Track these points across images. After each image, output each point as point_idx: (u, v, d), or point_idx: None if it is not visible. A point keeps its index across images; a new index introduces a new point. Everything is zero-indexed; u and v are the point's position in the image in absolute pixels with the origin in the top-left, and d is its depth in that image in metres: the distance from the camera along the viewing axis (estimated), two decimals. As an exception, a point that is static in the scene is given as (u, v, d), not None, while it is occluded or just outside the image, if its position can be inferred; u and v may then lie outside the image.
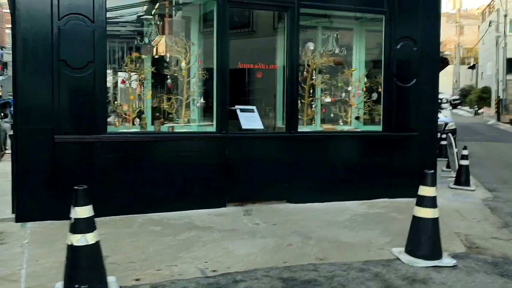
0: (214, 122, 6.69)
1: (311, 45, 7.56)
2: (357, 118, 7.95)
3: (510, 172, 11.21)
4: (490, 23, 34.36)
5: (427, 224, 4.55)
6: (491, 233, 5.84)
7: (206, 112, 7.24)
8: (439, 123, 15.85)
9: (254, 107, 7.28)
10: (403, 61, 7.54)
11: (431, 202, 4.60)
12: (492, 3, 39.78)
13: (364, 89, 7.95)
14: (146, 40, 6.61)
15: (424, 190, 4.61)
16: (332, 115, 7.94)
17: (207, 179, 6.58)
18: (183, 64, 6.66)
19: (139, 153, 6.28)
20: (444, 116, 17.10)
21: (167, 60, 6.87)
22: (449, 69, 57.29)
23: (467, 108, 44.01)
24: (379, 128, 7.67)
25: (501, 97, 31.98)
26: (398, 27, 7.49)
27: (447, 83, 58.21)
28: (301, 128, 7.52)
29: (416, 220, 4.62)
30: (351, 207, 6.93)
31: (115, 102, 6.65)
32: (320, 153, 7.19)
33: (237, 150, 6.74)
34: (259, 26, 8.65)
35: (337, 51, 7.75)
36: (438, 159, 12.74)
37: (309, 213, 6.50)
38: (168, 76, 6.80)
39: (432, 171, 4.70)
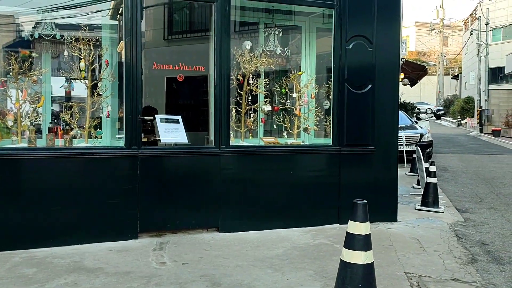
0: (124, 136, 5.52)
1: (248, 44, 6.44)
2: (306, 129, 6.82)
3: (487, 189, 10.13)
4: (471, 31, 33.66)
5: (357, 272, 3.39)
6: (453, 272, 4.70)
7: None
8: (414, 134, 15.10)
9: (179, 117, 6.12)
10: (356, 63, 6.44)
11: (363, 243, 3.44)
12: (474, 12, 39.23)
13: (313, 96, 6.82)
14: (36, 34, 5.43)
15: (354, 227, 3.45)
16: (275, 126, 6.81)
17: (114, 205, 5.40)
18: (82, 64, 5.49)
19: (26, 173, 5.10)
20: (421, 128, 16.15)
21: (66, 59, 5.68)
22: (433, 79, 56.91)
23: (450, 118, 43.30)
24: (329, 141, 6.55)
25: (483, 107, 31.16)
26: (350, 24, 6.39)
27: (431, 93, 57.76)
28: (237, 142, 6.38)
29: (343, 266, 3.46)
30: (291, 236, 5.77)
31: (-5, 111, 5.44)
32: (258, 171, 6.04)
33: (152, 169, 5.58)
34: (191, 22, 7.54)
35: (278, 51, 6.62)
36: (409, 173, 11.73)
37: (236, 246, 5.32)
38: (67, 79, 5.62)
39: (364, 201, 3.53)
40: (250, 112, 6.51)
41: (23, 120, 5.36)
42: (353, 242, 3.43)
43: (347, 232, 3.50)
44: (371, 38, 6.49)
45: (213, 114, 5.89)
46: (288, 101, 6.73)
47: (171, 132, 5.94)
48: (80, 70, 5.48)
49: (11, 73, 5.26)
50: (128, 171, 5.47)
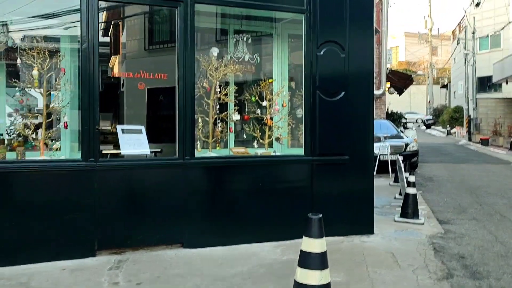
0: (81, 147, 5.22)
1: (214, 51, 6.18)
2: (278, 139, 6.55)
3: (471, 198, 9.88)
4: (458, 40, 33.69)
5: (313, 294, 3.09)
6: (426, 289, 4.43)
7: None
8: (399, 144, 14.87)
9: (142, 127, 5.85)
10: (327, 70, 6.19)
11: (318, 261, 3.15)
12: (461, 21, 39.35)
13: (285, 104, 6.57)
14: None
15: (308, 244, 3.17)
16: (245, 136, 6.54)
17: (70, 221, 5.09)
18: (34, 72, 5.20)
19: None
20: (407, 137, 15.95)
21: (19, 67, 5.39)
22: (422, 89, 56.98)
23: (440, 128, 43.24)
24: (301, 151, 6.28)
25: (471, 116, 31.08)
26: (321, 30, 6.16)
27: (421, 103, 57.81)
28: (204, 153, 6.10)
29: (297, 287, 3.16)
30: (259, 252, 5.48)
31: None
32: (225, 184, 5.76)
33: (111, 182, 5.28)
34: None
35: (247, 58, 6.37)
36: (392, 184, 11.48)
37: (198, 264, 5.02)
38: (19, 88, 5.33)
39: (319, 215, 3.25)
40: (218, 121, 6.22)
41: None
42: (307, 260, 3.15)
43: (301, 250, 3.22)
44: (343, 44, 6.26)
45: (177, 124, 5.61)
46: (259, 109, 6.46)
47: (133, 143, 5.66)
48: (33, 79, 5.18)
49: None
50: (85, 184, 5.16)
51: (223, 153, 6.27)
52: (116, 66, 8.18)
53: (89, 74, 5.17)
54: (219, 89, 6.12)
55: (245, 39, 6.44)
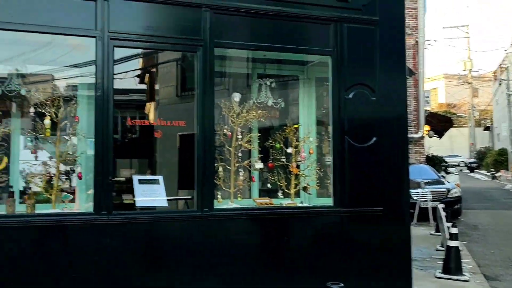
0: (93, 199, 4.94)
1: (236, 96, 5.89)
2: (305, 188, 6.12)
3: (521, 250, 9.09)
4: (500, 81, 32.76)
5: None
6: None
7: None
8: (440, 190, 14.11)
9: (159, 178, 5.55)
10: (357, 114, 5.80)
11: None
12: (502, 62, 38.41)
13: (312, 151, 6.16)
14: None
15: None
16: (269, 185, 6.14)
17: (81, 280, 4.73)
18: (47, 121, 5.01)
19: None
20: (448, 182, 15.21)
21: (32, 116, 5.22)
22: (464, 131, 55.44)
23: (484, 171, 41.59)
24: (330, 201, 5.83)
25: (517, 159, 29.74)
26: (349, 72, 5.82)
27: (463, 145, 56.09)
28: (225, 204, 5.72)
29: None
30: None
31: None
32: (247, 237, 5.34)
33: (125, 238, 4.93)
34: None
35: (270, 102, 6.04)
36: (434, 233, 10.72)
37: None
38: (30, 138, 5.14)
39: (340, 285, 2.78)
40: (240, 170, 5.86)
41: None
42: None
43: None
44: (373, 86, 5.88)
45: (196, 174, 5.28)
46: (284, 157, 6.07)
47: (149, 195, 5.34)
48: (45, 128, 4.99)
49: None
50: (96, 240, 4.83)
51: (246, 204, 5.87)
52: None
53: (103, 121, 4.93)
54: (241, 136, 5.78)
55: (268, 83, 6.12)
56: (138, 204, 5.20)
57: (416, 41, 18.81)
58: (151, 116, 7.87)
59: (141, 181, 5.44)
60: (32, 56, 5.34)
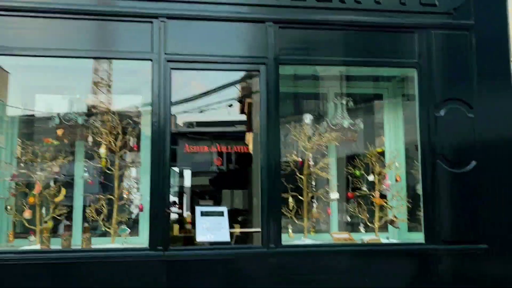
0: (147, 234, 4.58)
1: (307, 118, 5.30)
2: (392, 222, 5.30)
3: None
4: None
5: None
6: None
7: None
8: None
9: (223, 209, 5.07)
10: (450, 134, 4.95)
11: None
12: None
13: (399, 179, 5.35)
14: (56, 120, 4.88)
15: None
16: (348, 218, 5.41)
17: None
18: (102, 151, 4.76)
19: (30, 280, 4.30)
20: None
21: (90, 146, 4.99)
22: None
23: None
24: (421, 237, 4.97)
25: None
26: (439, 85, 5.02)
27: None
28: (297, 239, 5.09)
29: None
30: None
31: (7, 207, 4.80)
32: (319, 279, 4.64)
33: (182, 276, 4.48)
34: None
35: (345, 124, 5.34)
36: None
37: None
38: (86, 169, 4.93)
39: None
40: (313, 200, 5.22)
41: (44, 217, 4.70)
42: None
43: None
44: (470, 101, 5.01)
45: (260, 205, 4.74)
46: (365, 185, 5.33)
47: (212, 228, 4.87)
48: (100, 157, 4.75)
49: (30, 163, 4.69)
50: (151, 278, 4.43)
51: (321, 239, 5.19)
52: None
53: (159, 149, 4.59)
54: (313, 163, 5.15)
55: (344, 102, 5.46)
56: (198, 239, 4.74)
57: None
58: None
59: (203, 213, 5.00)
60: (89, 83, 5.18)
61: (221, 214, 5.02)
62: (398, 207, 5.31)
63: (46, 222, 4.65)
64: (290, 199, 5.10)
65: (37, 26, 4.60)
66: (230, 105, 8.47)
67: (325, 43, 5.02)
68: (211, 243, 4.76)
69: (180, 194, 9.49)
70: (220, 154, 8.61)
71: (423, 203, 4.95)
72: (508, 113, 5.11)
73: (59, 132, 4.88)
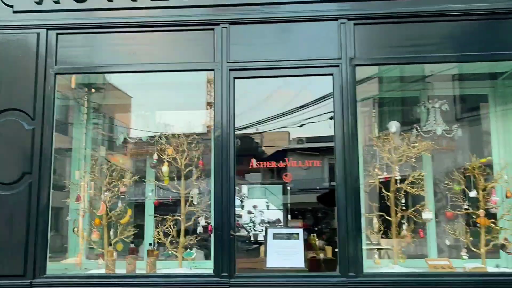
0: (211, 259, 4.19)
1: (393, 126, 4.60)
2: (503, 246, 4.38)
3: None
4: None
5: None
6: None
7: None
8: None
9: (299, 231, 4.53)
10: None
11: None
12: None
13: (510, 194, 4.42)
14: (122, 138, 4.71)
15: None
16: (447, 241, 4.56)
17: None
18: (164, 169, 4.48)
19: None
20: None
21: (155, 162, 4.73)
22: None
23: None
24: (541, 266, 4.03)
25: None
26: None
27: None
28: (385, 266, 4.39)
29: None
30: None
31: (74, 229, 4.67)
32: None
33: (251, 306, 4.03)
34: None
35: (439, 131, 4.53)
36: None
37: None
38: (152, 189, 4.67)
39: None
40: (403, 221, 4.48)
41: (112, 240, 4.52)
42: None
43: None
44: None
45: (338, 228, 4.13)
46: (467, 202, 4.47)
47: (284, 253, 4.35)
48: (164, 176, 4.47)
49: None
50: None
51: (413, 266, 4.41)
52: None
53: (222, 164, 4.20)
54: (399, 177, 4.43)
55: (437, 105, 4.65)
56: (268, 265, 4.25)
57: None
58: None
59: (276, 236, 4.50)
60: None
61: (295, 237, 4.49)
62: (510, 228, 4.38)
63: (111, 244, 4.44)
64: (375, 220, 4.43)
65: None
66: (331, 118, 7.90)
67: (409, 38, 4.34)
68: (283, 270, 4.24)
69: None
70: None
71: (542, 224, 4.02)
72: None
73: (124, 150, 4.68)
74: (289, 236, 4.52)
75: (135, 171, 4.83)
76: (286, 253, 4.35)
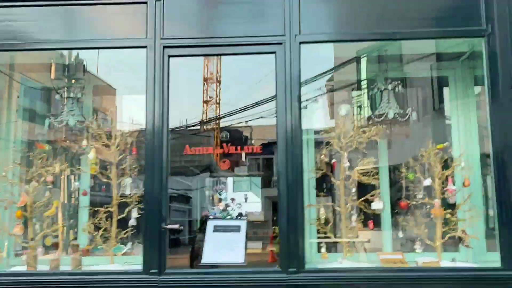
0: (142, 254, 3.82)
1: (343, 109, 4.24)
2: (461, 239, 4.07)
3: None
4: None
5: None
6: None
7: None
8: None
9: (242, 223, 4.19)
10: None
11: None
12: None
13: (468, 183, 4.10)
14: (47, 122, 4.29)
15: None
16: (400, 233, 4.24)
17: None
18: (90, 155, 4.10)
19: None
20: None
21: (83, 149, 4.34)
22: None
23: None
24: (497, 258, 3.70)
25: None
26: (517, 59, 3.75)
27: None
28: (333, 261, 4.06)
29: None
30: None
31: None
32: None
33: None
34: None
35: (391, 114, 4.18)
36: None
37: None
38: (76, 176, 4.30)
39: None
40: (352, 212, 4.14)
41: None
42: None
43: None
44: None
45: (279, 219, 3.78)
46: (421, 192, 4.14)
47: (224, 247, 4.01)
48: (91, 163, 4.09)
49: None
50: (145, 307, 3.66)
51: (364, 261, 4.09)
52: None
53: (154, 153, 3.83)
54: (348, 164, 4.08)
55: (390, 87, 4.28)
56: (204, 260, 3.90)
57: None
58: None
59: (217, 228, 4.15)
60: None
61: (237, 229, 4.14)
62: (471, 219, 4.06)
63: (32, 239, 4.05)
64: (322, 211, 4.10)
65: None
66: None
67: (358, 15, 3.98)
68: (220, 265, 3.89)
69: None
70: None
71: (497, 216, 3.70)
72: None
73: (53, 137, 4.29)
74: (231, 229, 4.18)
75: (65, 159, 4.41)
76: (226, 247, 4.01)
